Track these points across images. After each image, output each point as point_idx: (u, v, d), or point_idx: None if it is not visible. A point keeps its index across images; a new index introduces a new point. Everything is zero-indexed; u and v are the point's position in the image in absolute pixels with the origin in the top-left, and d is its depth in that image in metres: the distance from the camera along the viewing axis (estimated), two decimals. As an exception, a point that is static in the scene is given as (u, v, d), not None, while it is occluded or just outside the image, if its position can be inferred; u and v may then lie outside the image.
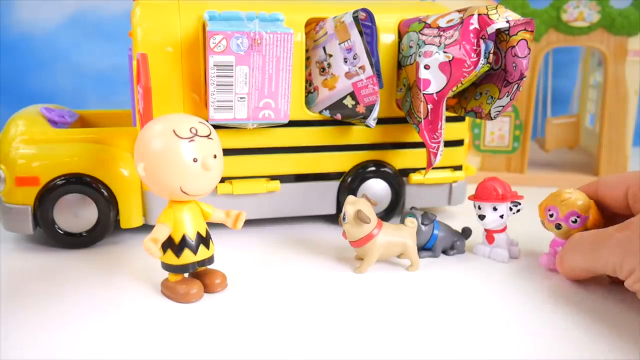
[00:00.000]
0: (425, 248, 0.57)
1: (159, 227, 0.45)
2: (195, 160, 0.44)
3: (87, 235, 0.58)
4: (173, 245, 0.46)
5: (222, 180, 0.59)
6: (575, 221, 0.51)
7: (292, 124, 0.60)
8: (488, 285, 0.51)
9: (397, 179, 0.65)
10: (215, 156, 0.45)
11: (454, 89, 0.56)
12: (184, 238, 0.46)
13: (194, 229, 0.47)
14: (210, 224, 0.49)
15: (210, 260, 0.48)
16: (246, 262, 0.55)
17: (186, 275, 0.48)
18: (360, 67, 0.57)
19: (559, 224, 0.51)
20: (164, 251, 0.46)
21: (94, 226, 0.58)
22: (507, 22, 0.54)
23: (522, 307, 0.47)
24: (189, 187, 0.44)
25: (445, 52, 0.55)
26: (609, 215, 0.52)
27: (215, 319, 0.44)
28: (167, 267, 0.47)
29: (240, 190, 0.61)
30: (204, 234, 0.48)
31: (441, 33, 0.56)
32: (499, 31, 0.55)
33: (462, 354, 0.40)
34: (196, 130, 0.44)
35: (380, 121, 0.61)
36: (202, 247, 0.47)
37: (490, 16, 0.54)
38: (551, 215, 0.52)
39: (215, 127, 0.52)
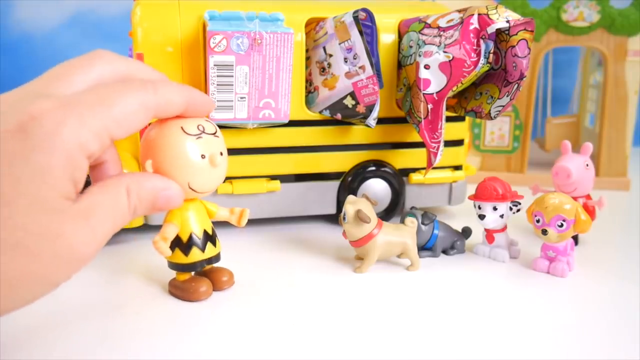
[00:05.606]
0: (425, 248, 0.57)
1: (167, 226, 0.45)
2: (203, 156, 0.44)
3: (87, 235, 0.58)
4: (181, 244, 0.46)
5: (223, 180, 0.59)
6: (562, 225, 0.51)
7: (292, 123, 0.60)
8: (488, 285, 0.51)
9: (397, 179, 0.65)
10: (221, 153, 0.45)
11: (454, 88, 0.56)
12: (191, 236, 0.46)
13: (200, 227, 0.47)
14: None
15: (217, 257, 0.49)
16: (246, 262, 0.55)
17: (193, 273, 0.49)
18: (360, 67, 0.57)
19: (545, 230, 0.51)
20: (172, 250, 0.46)
21: (94, 226, 0.58)
22: (507, 22, 0.54)
23: (522, 307, 0.47)
24: (197, 183, 0.44)
25: (445, 52, 0.55)
26: None
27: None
28: (174, 266, 0.47)
29: (241, 190, 0.61)
30: (210, 232, 0.48)
31: (441, 33, 0.56)
32: (499, 31, 0.55)
33: (462, 354, 0.40)
34: (203, 128, 0.44)
35: (380, 121, 0.61)
36: (209, 245, 0.47)
37: (490, 16, 0.54)
38: (537, 221, 0.52)
39: (216, 127, 0.52)
